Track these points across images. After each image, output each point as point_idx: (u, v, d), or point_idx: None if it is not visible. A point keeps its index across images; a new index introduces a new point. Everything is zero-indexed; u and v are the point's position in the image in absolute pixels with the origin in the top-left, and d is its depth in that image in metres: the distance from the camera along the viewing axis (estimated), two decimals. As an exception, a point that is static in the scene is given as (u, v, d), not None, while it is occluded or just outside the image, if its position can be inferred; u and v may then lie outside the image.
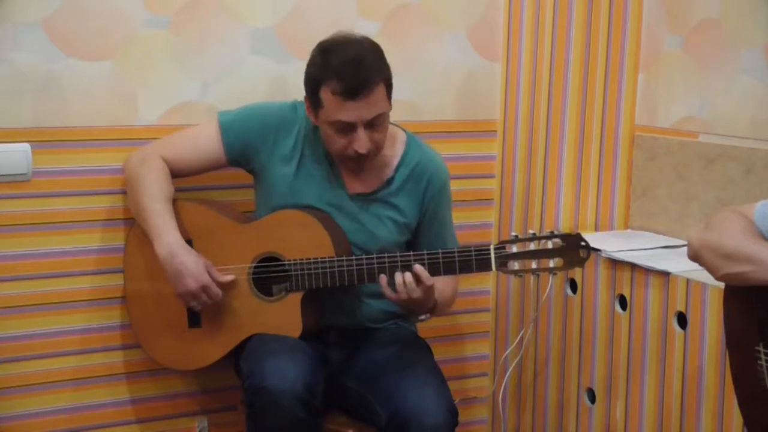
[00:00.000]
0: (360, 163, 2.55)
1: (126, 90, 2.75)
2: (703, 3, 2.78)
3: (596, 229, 3.04)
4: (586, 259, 2.43)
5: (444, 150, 2.88)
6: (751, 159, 2.63)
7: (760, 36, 2.64)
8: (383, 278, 2.45)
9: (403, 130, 2.70)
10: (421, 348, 2.69)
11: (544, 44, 3.01)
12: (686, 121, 2.86)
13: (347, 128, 2.46)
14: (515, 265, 2.43)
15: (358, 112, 2.44)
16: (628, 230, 3.02)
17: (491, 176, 3.20)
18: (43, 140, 2.69)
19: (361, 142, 2.47)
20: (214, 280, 2.54)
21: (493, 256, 2.43)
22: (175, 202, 2.62)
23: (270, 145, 2.63)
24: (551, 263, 2.42)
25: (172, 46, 2.77)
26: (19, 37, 2.62)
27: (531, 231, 2.46)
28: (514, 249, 2.43)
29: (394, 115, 2.79)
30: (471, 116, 3.14)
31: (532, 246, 2.42)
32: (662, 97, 2.93)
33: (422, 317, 2.59)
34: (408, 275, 2.43)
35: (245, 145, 2.64)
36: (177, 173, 2.65)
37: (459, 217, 2.85)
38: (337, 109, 2.44)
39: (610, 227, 3.05)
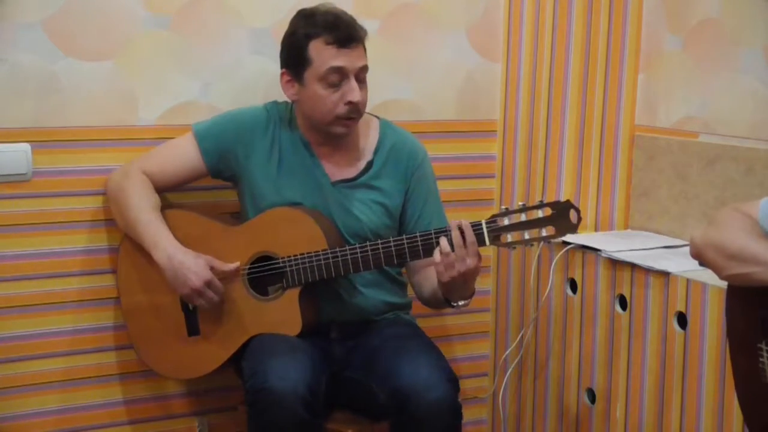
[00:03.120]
0: (348, 125, 2.58)
1: (126, 90, 2.75)
2: (703, 3, 2.78)
3: (596, 229, 3.04)
4: (578, 224, 2.43)
5: (444, 150, 2.89)
6: (751, 159, 2.63)
7: (760, 36, 2.64)
8: (437, 252, 2.44)
9: (376, 116, 2.74)
10: (416, 329, 2.71)
11: (544, 44, 3.01)
12: (686, 121, 2.86)
13: (340, 78, 2.53)
14: (508, 238, 2.45)
15: (350, 59, 2.53)
16: (628, 230, 3.02)
17: (491, 176, 3.20)
18: (43, 140, 2.69)
19: (354, 90, 2.53)
20: (218, 271, 2.55)
21: (485, 230, 2.44)
22: (162, 211, 2.63)
23: (247, 147, 2.65)
24: (543, 232, 2.43)
25: (172, 46, 2.78)
26: (19, 37, 2.62)
27: (521, 202, 2.48)
28: (506, 221, 2.44)
29: (395, 115, 2.80)
30: (471, 116, 3.14)
31: (523, 217, 2.43)
32: (662, 97, 2.93)
33: (461, 303, 2.57)
34: (457, 237, 2.42)
35: (223, 151, 2.65)
36: (159, 187, 2.66)
37: (459, 216, 2.84)
38: (331, 57, 2.52)
39: (610, 227, 3.05)
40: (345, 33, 2.53)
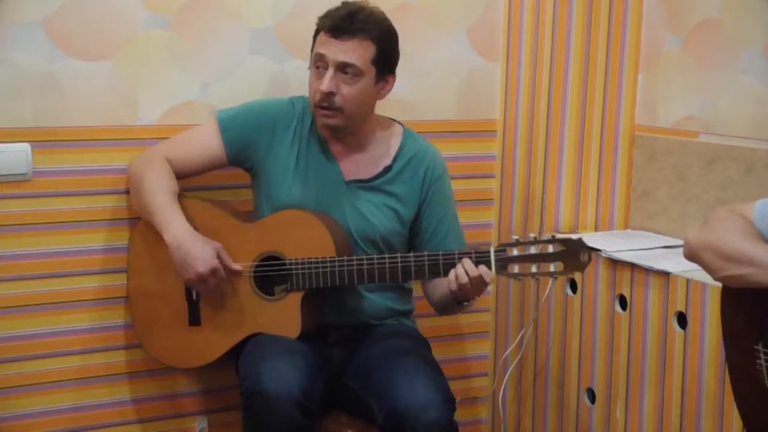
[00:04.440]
0: (325, 118, 2.57)
1: (126, 90, 2.75)
2: (703, 3, 2.78)
3: (596, 229, 3.04)
4: (588, 264, 2.42)
5: (444, 150, 2.88)
6: (751, 159, 2.63)
7: (760, 36, 2.64)
8: (452, 277, 2.44)
9: (400, 123, 2.73)
10: (417, 341, 2.69)
11: (544, 44, 3.01)
12: (686, 121, 2.86)
13: (324, 66, 2.53)
14: (515, 269, 2.43)
15: (333, 49, 2.52)
16: (628, 230, 3.02)
17: (491, 176, 3.20)
18: (43, 140, 2.69)
19: (325, 80, 2.53)
20: (223, 263, 2.55)
21: (493, 258, 2.43)
22: (179, 199, 2.63)
23: (268, 139, 2.65)
24: (552, 267, 2.41)
25: (172, 46, 2.78)
26: (19, 37, 2.62)
27: (532, 234, 2.45)
28: (515, 252, 2.42)
29: (394, 115, 2.80)
30: (471, 116, 3.14)
31: (533, 249, 2.41)
32: (662, 97, 2.93)
33: (471, 301, 2.58)
34: (473, 271, 2.42)
35: (245, 141, 2.65)
36: (180, 174, 2.66)
37: (459, 217, 2.85)
38: (320, 43, 2.55)
39: (610, 227, 3.05)
40: (337, 23, 2.52)
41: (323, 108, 2.56)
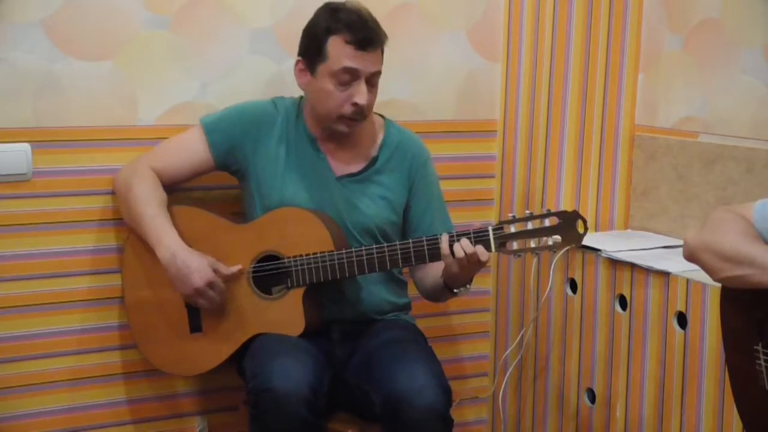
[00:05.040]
0: (351, 125, 2.59)
1: (126, 90, 2.75)
2: (703, 3, 2.78)
3: (596, 229, 3.04)
4: (584, 234, 2.43)
5: (444, 150, 2.89)
6: (751, 159, 2.63)
7: (760, 36, 2.64)
8: (444, 242, 2.44)
9: (381, 115, 2.76)
10: (415, 333, 2.70)
11: (544, 44, 3.01)
12: (686, 121, 2.86)
13: (350, 79, 2.53)
14: (514, 245, 2.44)
15: (365, 63, 2.54)
16: (628, 230, 3.02)
17: (491, 176, 3.20)
18: (43, 140, 2.69)
19: (362, 94, 2.54)
20: (220, 274, 2.55)
21: (492, 237, 2.44)
22: (169, 207, 2.63)
23: (254, 140, 2.65)
24: (550, 241, 2.43)
25: (172, 46, 2.78)
26: (19, 37, 2.62)
27: (528, 211, 2.47)
28: (512, 229, 2.44)
29: (395, 115, 2.80)
30: (471, 116, 3.14)
31: (530, 225, 2.43)
32: (662, 97, 2.93)
33: (462, 289, 2.58)
34: (469, 247, 2.43)
35: (230, 144, 2.66)
36: (168, 182, 2.66)
37: (459, 217, 2.85)
38: (346, 57, 2.52)
39: (610, 227, 3.05)
40: (365, 35, 2.53)
41: (353, 120, 2.57)
